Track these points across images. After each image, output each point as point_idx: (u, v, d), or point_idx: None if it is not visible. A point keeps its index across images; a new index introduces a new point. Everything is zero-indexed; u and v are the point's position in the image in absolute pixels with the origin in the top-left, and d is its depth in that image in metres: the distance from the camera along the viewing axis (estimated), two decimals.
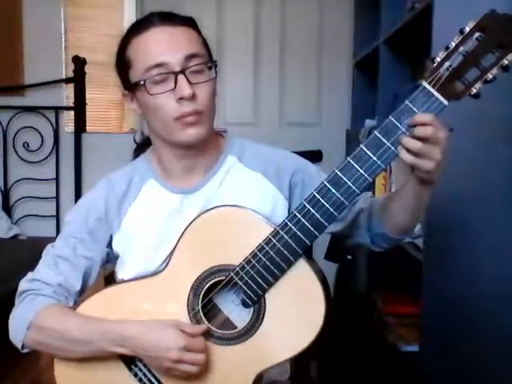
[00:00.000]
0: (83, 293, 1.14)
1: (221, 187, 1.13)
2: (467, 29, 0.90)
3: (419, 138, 0.90)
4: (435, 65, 0.91)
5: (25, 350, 1.10)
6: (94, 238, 1.14)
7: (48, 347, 1.07)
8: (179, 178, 1.14)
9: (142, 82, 1.04)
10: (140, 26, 1.06)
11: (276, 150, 1.21)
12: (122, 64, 1.09)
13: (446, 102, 0.91)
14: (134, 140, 1.26)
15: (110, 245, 1.15)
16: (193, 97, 1.02)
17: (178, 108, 1.03)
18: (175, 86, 1.02)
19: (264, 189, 1.13)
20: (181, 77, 1.02)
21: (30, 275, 1.13)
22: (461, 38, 0.90)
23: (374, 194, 2.15)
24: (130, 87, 1.09)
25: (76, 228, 1.14)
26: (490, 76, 0.90)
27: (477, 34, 0.89)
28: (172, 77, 1.02)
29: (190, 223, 1.05)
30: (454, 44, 0.91)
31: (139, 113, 1.12)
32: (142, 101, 1.08)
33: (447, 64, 0.91)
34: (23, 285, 1.11)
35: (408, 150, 0.91)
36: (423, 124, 0.90)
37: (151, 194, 1.15)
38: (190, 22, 1.08)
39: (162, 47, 1.03)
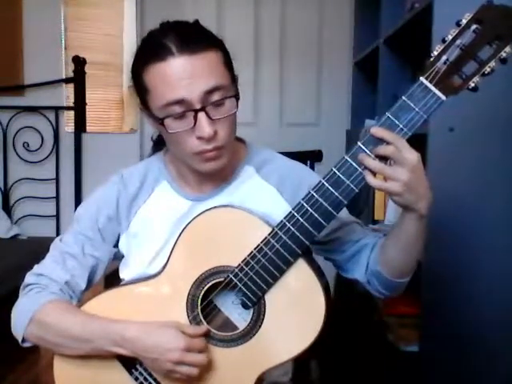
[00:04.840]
0: (87, 290, 1.14)
1: (232, 196, 1.11)
2: (464, 21, 0.88)
3: (381, 158, 0.90)
4: (432, 59, 0.90)
5: (25, 344, 1.09)
6: (103, 237, 1.13)
7: (48, 342, 1.07)
8: (193, 185, 1.13)
9: (160, 121, 1.00)
10: (157, 52, 0.98)
11: (297, 165, 1.18)
12: (139, 86, 1.04)
13: (443, 97, 0.90)
14: (152, 138, 1.23)
15: (117, 244, 1.15)
16: (213, 133, 0.99)
17: (198, 145, 1.00)
18: (195, 124, 0.98)
19: (275, 204, 1.10)
20: (201, 114, 0.98)
21: (36, 269, 1.12)
22: (457, 30, 0.89)
23: (373, 194, 2.15)
24: (148, 111, 1.05)
25: (86, 225, 1.13)
26: (487, 69, 0.88)
27: (474, 26, 0.88)
28: (192, 113, 0.98)
29: (187, 225, 1.04)
30: (450, 37, 0.89)
31: (155, 129, 1.09)
32: (161, 131, 1.06)
33: (444, 58, 0.89)
34: (29, 278, 1.11)
35: (373, 172, 0.91)
36: (381, 140, 0.90)
37: (163, 196, 1.14)
38: (210, 43, 1.01)
39: (182, 82, 0.97)
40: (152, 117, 1.04)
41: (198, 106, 0.98)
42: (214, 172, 1.06)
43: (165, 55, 0.97)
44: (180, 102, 0.98)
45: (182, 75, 0.97)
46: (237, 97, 1.03)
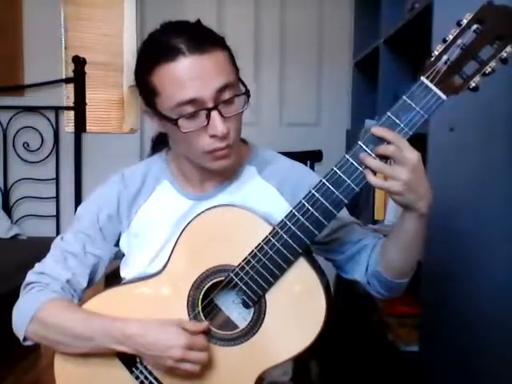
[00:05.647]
0: (88, 289, 1.14)
1: (233, 196, 1.12)
2: (464, 21, 0.89)
3: (381, 157, 0.91)
4: (433, 59, 0.90)
5: (27, 343, 1.10)
6: (103, 236, 1.14)
7: (49, 341, 1.07)
8: (195, 184, 1.13)
9: (174, 122, 1.00)
10: (167, 52, 0.98)
11: (297, 165, 1.19)
12: (146, 88, 1.03)
13: (444, 97, 0.90)
14: (152, 139, 1.23)
15: (117, 243, 1.16)
16: (226, 131, 0.99)
17: (211, 143, 1.00)
18: (208, 123, 0.99)
19: (276, 204, 1.10)
20: (214, 113, 0.98)
21: (37, 267, 1.13)
22: (458, 30, 0.89)
23: (373, 194, 2.15)
24: (156, 112, 1.04)
25: (87, 224, 1.14)
26: (488, 69, 0.89)
27: (474, 26, 0.88)
28: (204, 112, 0.99)
29: (188, 224, 1.04)
30: (451, 37, 0.89)
31: (162, 130, 1.09)
32: (170, 131, 1.06)
33: (445, 57, 0.90)
34: (31, 276, 1.12)
35: (373, 172, 0.91)
36: (382, 139, 0.90)
37: (164, 196, 1.14)
38: (216, 42, 1.01)
39: (194, 82, 0.97)
40: (161, 117, 1.04)
41: (210, 105, 0.98)
42: (224, 170, 1.06)
43: (175, 55, 0.97)
44: (192, 101, 0.98)
45: (193, 75, 0.97)
46: (247, 94, 1.03)
